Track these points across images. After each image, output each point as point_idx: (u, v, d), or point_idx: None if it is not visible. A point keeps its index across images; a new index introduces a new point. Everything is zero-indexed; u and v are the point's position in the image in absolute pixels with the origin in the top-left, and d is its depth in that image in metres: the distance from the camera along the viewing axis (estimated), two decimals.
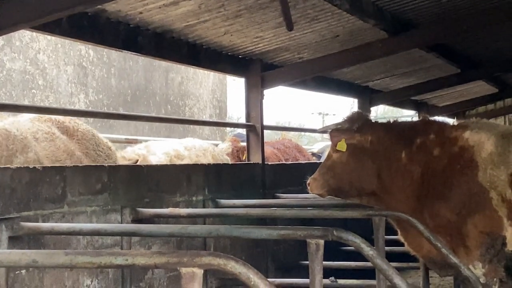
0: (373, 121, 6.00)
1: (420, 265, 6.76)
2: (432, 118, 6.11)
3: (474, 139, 5.42)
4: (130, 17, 5.89)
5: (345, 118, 5.87)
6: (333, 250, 7.41)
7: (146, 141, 9.81)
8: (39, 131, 6.09)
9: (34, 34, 12.70)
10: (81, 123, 6.85)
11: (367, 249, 3.59)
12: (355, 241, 3.63)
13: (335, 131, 5.75)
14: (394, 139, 5.65)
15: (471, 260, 5.26)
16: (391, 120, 6.00)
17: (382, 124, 5.88)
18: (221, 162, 8.78)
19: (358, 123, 5.75)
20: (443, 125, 5.83)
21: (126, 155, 7.91)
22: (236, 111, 32.06)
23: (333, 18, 6.91)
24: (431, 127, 5.68)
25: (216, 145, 10.99)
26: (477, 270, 5.20)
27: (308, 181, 5.77)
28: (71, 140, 6.51)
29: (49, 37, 12.64)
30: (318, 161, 12.17)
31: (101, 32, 5.80)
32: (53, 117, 6.54)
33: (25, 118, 6.39)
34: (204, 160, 8.62)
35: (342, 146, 5.66)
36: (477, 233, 5.24)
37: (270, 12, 6.34)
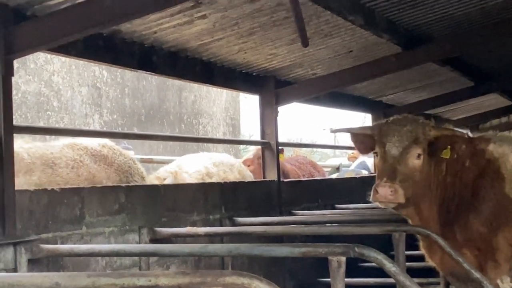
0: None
1: (440, 280, 6.69)
2: (454, 129, 6.00)
3: (499, 152, 5.38)
4: (145, 37, 5.91)
5: (421, 120, 5.39)
6: (351, 266, 7.37)
7: (162, 160, 9.80)
8: (63, 157, 6.15)
9: (49, 56, 12.80)
10: (119, 154, 6.89)
11: (389, 265, 3.57)
12: (377, 257, 3.61)
13: (448, 137, 5.27)
14: None
15: (499, 274, 5.21)
16: None
17: None
18: (248, 178, 8.75)
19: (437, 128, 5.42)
20: (469, 136, 5.78)
21: (159, 175, 7.92)
22: (249, 128, 32.06)
23: (347, 34, 6.91)
24: (461, 137, 5.59)
25: None
26: (504, 285, 5.15)
27: (389, 188, 4.92)
28: (109, 168, 6.58)
29: (63, 58, 12.74)
30: (332, 177, 12.14)
31: (116, 53, 5.81)
32: (89, 145, 6.61)
33: (58, 144, 6.48)
34: (231, 176, 8.52)
35: (448, 153, 5.26)
36: (507, 247, 5.19)
37: (284, 29, 6.34)
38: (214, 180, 8.10)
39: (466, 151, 5.45)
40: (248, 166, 9.52)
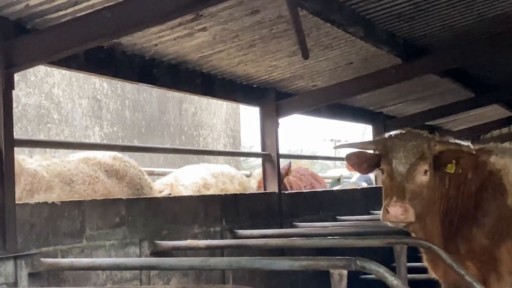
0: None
1: None
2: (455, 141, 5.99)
3: (501, 164, 5.38)
4: (146, 49, 5.92)
5: (424, 136, 5.37)
6: (353, 278, 7.34)
7: (163, 172, 9.77)
8: (80, 174, 6.26)
9: (49, 68, 12.80)
10: (130, 166, 6.98)
11: (391, 279, 3.55)
12: (379, 270, 3.59)
13: (452, 152, 5.25)
14: None
15: (502, 287, 5.19)
16: None
17: None
18: (249, 190, 8.78)
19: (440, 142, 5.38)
20: (471, 148, 5.76)
21: (156, 187, 7.92)
22: (249, 140, 32.07)
23: (347, 45, 6.92)
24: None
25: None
26: None
27: (400, 209, 4.89)
28: (120, 182, 6.66)
29: (63, 71, 12.74)
30: (334, 189, 12.12)
31: (117, 65, 5.82)
32: (102, 159, 6.70)
33: (73, 159, 6.58)
34: (231, 188, 8.52)
35: (452, 168, 5.24)
36: (510, 259, 5.17)
37: (284, 41, 6.36)
38: (212, 191, 8.09)
39: (468, 164, 5.43)
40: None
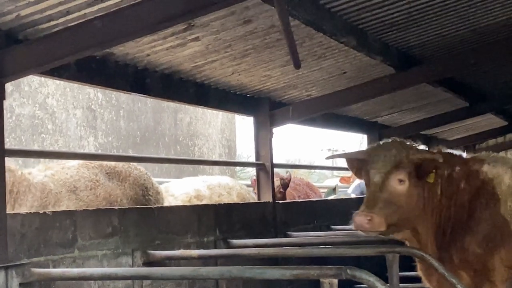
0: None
1: None
2: (449, 150, 6.01)
3: (493, 173, 5.39)
4: (138, 59, 5.92)
5: (405, 145, 5.37)
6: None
7: (159, 182, 9.80)
8: (82, 179, 6.33)
9: (43, 79, 12.82)
10: (134, 168, 7.05)
11: None
12: (369, 279, 3.58)
13: (431, 161, 5.23)
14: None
15: None
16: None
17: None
18: (249, 200, 8.74)
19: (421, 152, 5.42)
20: (463, 157, 5.77)
21: None
22: (246, 150, 32.07)
23: (340, 55, 6.93)
24: (454, 160, 5.60)
25: None
26: None
27: (366, 217, 4.94)
28: (122, 184, 6.71)
29: (57, 81, 12.74)
30: (329, 199, 12.12)
31: (110, 75, 5.81)
32: (104, 162, 6.77)
33: (73, 164, 6.60)
34: (228, 199, 8.51)
35: (432, 177, 5.25)
36: (503, 268, 5.17)
37: (277, 51, 6.36)
38: (205, 202, 8.09)
39: (461, 173, 5.46)
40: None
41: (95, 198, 6.32)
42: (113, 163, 6.86)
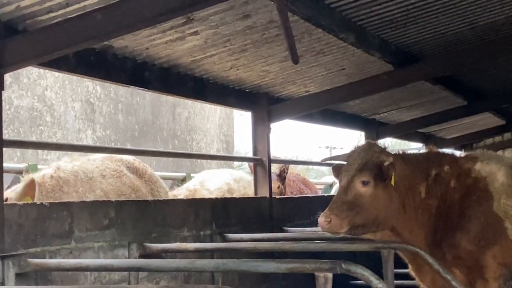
0: (390, 153, 5.83)
1: None
2: (440, 150, 6.08)
3: (486, 170, 5.41)
4: (137, 52, 5.93)
5: (380, 150, 5.51)
6: (343, 284, 7.35)
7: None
8: (107, 169, 6.80)
9: (42, 71, 12.81)
10: (147, 167, 7.58)
11: (376, 282, 3.56)
12: (364, 274, 3.60)
13: (390, 165, 5.33)
14: (413, 172, 5.53)
15: None
16: (401, 152, 5.90)
17: (399, 155, 5.70)
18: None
19: (387, 154, 5.50)
20: (454, 156, 5.80)
21: (179, 192, 8.59)
22: (244, 146, 32.08)
23: (339, 52, 6.94)
24: (444, 158, 5.65)
25: None
26: None
27: (325, 219, 5.17)
28: (140, 179, 7.20)
29: (56, 74, 12.76)
30: (325, 195, 12.14)
31: (108, 68, 5.83)
32: (124, 157, 7.28)
33: (97, 157, 7.13)
34: (250, 192, 8.77)
35: (394, 180, 5.32)
36: (496, 265, 5.20)
37: (276, 46, 6.37)
38: (235, 196, 8.27)
39: (450, 171, 5.49)
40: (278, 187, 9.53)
41: (122, 185, 6.75)
42: (130, 160, 7.29)
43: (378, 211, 5.32)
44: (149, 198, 6.93)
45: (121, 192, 6.70)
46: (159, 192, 7.41)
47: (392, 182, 5.32)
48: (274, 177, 9.57)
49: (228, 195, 8.51)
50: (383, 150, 5.53)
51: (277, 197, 8.49)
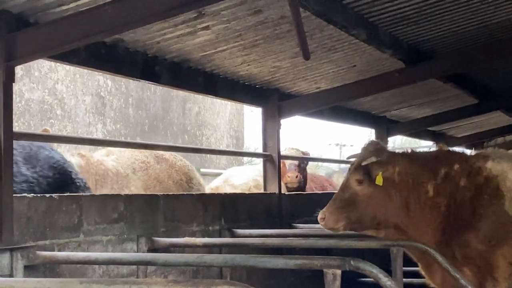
0: (394, 151, 5.87)
1: None
2: (450, 148, 6.05)
3: (497, 169, 5.37)
4: (148, 46, 5.93)
5: (372, 149, 5.58)
6: (351, 281, 7.33)
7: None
8: (136, 161, 7.05)
9: (53, 64, 12.84)
10: (179, 159, 7.83)
11: (384, 280, 3.54)
12: (372, 271, 3.59)
13: (375, 164, 5.43)
14: (419, 171, 5.51)
15: None
16: (410, 150, 5.89)
17: (405, 154, 5.70)
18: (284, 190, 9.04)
19: (385, 153, 5.55)
20: (465, 155, 5.77)
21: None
22: (253, 142, 32.08)
23: (350, 48, 6.92)
24: (453, 157, 5.62)
25: None
26: None
27: (321, 216, 5.35)
28: (170, 169, 7.43)
29: (67, 67, 12.79)
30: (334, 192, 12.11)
31: (119, 62, 5.83)
32: None
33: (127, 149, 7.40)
34: None
35: (380, 180, 5.39)
36: (506, 264, 5.16)
37: (287, 42, 6.36)
38: (262, 191, 8.35)
39: (460, 170, 5.46)
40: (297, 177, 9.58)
41: (148, 178, 6.96)
42: (160, 151, 7.50)
43: (375, 209, 5.42)
44: (173, 189, 7.20)
45: (146, 186, 6.94)
46: (189, 184, 7.57)
47: (379, 182, 5.40)
48: (292, 167, 9.60)
49: (255, 191, 8.58)
50: (380, 149, 5.56)
51: (286, 193, 8.45)
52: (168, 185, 7.21)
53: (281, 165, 9.68)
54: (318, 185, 11.14)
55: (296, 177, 9.46)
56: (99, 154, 7.21)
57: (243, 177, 9.01)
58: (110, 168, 6.77)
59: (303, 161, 9.83)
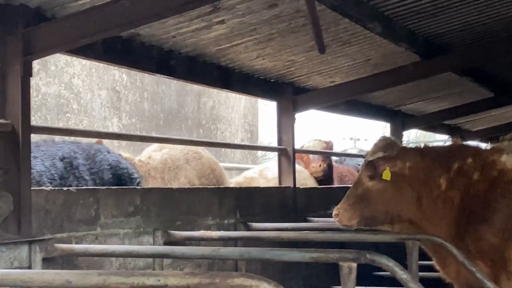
0: (406, 146, 5.90)
1: None
2: (464, 142, 6.05)
3: None
4: (164, 41, 5.95)
5: (381, 145, 5.60)
6: (366, 275, 7.33)
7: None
8: (190, 152, 7.39)
9: (69, 59, 12.89)
10: (205, 152, 8.06)
11: (400, 273, 3.55)
12: (388, 264, 3.59)
13: (380, 159, 5.46)
14: (432, 165, 5.51)
15: None
16: (423, 145, 5.89)
17: (417, 149, 5.72)
18: (312, 185, 9.31)
19: (394, 149, 5.57)
20: (478, 149, 5.76)
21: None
22: (268, 136, 32.05)
23: (365, 42, 6.91)
24: (467, 151, 5.61)
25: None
26: None
27: (335, 212, 5.43)
28: (216, 163, 7.83)
29: (83, 61, 12.84)
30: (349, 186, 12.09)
31: (135, 56, 5.85)
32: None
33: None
34: (303, 181, 9.08)
35: (387, 175, 5.41)
36: None
37: (302, 36, 6.36)
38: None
39: (474, 164, 5.45)
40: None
41: (202, 167, 7.29)
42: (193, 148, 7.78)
43: (387, 204, 5.43)
44: (220, 179, 7.62)
45: (201, 174, 7.25)
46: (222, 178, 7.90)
47: (386, 177, 5.41)
48: (316, 157, 9.67)
49: None
50: (390, 144, 5.57)
51: (301, 187, 8.45)
52: (219, 174, 7.58)
53: (305, 156, 9.80)
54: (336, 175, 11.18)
55: (320, 166, 9.55)
56: (151, 149, 7.52)
57: (276, 171, 9.12)
58: (155, 164, 7.09)
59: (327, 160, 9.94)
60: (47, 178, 5.33)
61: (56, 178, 5.41)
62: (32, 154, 4.88)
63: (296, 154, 9.88)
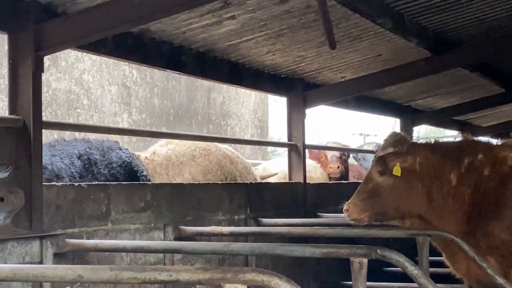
0: (416, 142, 5.89)
1: (464, 287, 6.64)
2: (475, 138, 6.03)
3: None
4: (174, 36, 5.95)
5: (391, 141, 5.59)
6: (376, 271, 7.34)
7: None
8: (197, 149, 7.36)
9: (79, 54, 12.92)
10: (235, 152, 8.19)
11: (411, 268, 3.55)
12: (399, 259, 3.59)
13: (391, 155, 5.46)
14: (442, 160, 5.51)
15: None
16: (433, 141, 5.88)
17: (427, 145, 5.72)
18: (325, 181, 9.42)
19: (405, 144, 5.56)
20: (489, 144, 5.75)
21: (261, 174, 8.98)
22: (278, 131, 32.04)
23: (376, 37, 6.89)
24: (477, 147, 5.60)
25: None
26: None
27: (345, 207, 5.42)
28: (232, 155, 7.79)
29: (93, 57, 12.86)
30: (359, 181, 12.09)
31: (145, 52, 5.86)
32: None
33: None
34: (315, 176, 9.19)
35: (398, 170, 5.41)
36: None
37: (312, 31, 6.35)
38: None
39: (484, 160, 5.44)
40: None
41: (209, 163, 7.22)
42: (218, 145, 7.80)
43: (397, 199, 5.43)
44: (234, 174, 7.57)
45: (207, 170, 7.20)
46: (246, 174, 7.86)
47: (396, 172, 5.40)
48: (334, 158, 9.80)
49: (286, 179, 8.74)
50: (400, 140, 5.55)
51: (311, 183, 8.45)
52: (229, 171, 7.52)
53: (323, 157, 9.91)
54: (356, 173, 11.20)
55: (338, 167, 9.71)
56: (158, 144, 7.51)
57: (280, 166, 9.18)
58: (160, 161, 7.06)
59: (344, 152, 10.05)
60: (66, 175, 5.36)
61: (75, 176, 5.43)
62: (50, 153, 4.92)
63: (314, 155, 9.97)
